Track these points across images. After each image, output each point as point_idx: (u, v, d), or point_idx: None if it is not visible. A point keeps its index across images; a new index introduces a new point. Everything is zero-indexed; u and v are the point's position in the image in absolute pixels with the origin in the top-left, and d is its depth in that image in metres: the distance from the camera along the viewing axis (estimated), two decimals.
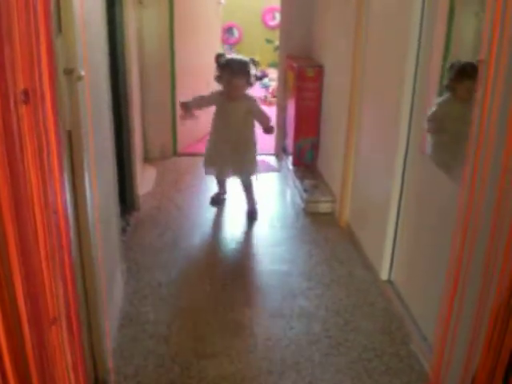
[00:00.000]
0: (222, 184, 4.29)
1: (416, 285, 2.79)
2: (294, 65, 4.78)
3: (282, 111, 5.44)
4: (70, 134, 1.89)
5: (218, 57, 3.85)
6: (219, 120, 3.94)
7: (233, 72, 3.72)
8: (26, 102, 0.73)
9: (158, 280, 3.14)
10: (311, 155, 4.85)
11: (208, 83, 5.94)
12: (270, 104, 7.68)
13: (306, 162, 4.86)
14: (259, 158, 4.14)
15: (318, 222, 4.01)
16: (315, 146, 4.82)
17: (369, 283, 3.16)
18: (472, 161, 1.11)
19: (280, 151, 5.43)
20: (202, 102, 3.98)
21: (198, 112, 4.10)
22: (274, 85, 7.94)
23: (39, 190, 0.78)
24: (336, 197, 4.07)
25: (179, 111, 4.12)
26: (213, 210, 4.18)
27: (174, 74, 5.21)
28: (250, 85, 3.83)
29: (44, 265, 0.80)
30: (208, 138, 4.09)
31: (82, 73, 1.87)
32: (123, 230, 3.57)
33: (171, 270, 3.25)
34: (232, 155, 3.94)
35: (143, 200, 4.23)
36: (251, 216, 4.09)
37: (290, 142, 5.08)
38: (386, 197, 3.02)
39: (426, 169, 2.62)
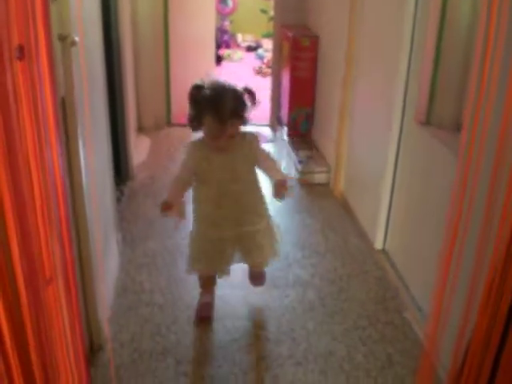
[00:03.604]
0: (210, 284, 2.69)
1: (410, 254, 2.81)
2: (289, 34, 4.73)
3: (276, 81, 5.40)
4: (63, 101, 1.88)
5: (196, 90, 2.24)
6: (207, 189, 2.40)
7: (221, 114, 2.16)
8: (21, 58, 0.72)
9: (152, 250, 3.14)
10: (306, 126, 4.83)
11: (204, 55, 5.92)
12: (264, 75, 7.64)
13: (300, 133, 4.85)
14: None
15: (313, 192, 4.01)
16: (310, 117, 4.80)
17: (363, 252, 3.17)
18: (470, 124, 1.11)
19: (274, 122, 5.41)
20: (179, 180, 2.42)
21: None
22: (268, 56, 7.88)
23: (35, 148, 0.77)
24: (331, 167, 4.07)
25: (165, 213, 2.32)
26: None
27: (167, 43, 5.15)
28: (246, 122, 2.29)
29: (40, 224, 0.80)
30: (191, 231, 2.55)
31: (76, 38, 1.85)
32: (117, 200, 3.56)
33: (166, 239, 3.25)
34: (238, 239, 2.50)
35: (137, 170, 4.21)
36: (258, 281, 2.75)
37: (284, 113, 5.05)
38: (381, 166, 3.01)
39: (421, 138, 2.61)
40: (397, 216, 2.98)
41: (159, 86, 5.24)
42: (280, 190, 2.30)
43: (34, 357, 0.89)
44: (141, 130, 5.09)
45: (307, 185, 4.09)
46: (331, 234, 3.38)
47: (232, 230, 2.44)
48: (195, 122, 2.26)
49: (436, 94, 2.54)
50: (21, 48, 0.71)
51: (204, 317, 2.60)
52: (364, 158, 3.44)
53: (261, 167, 2.42)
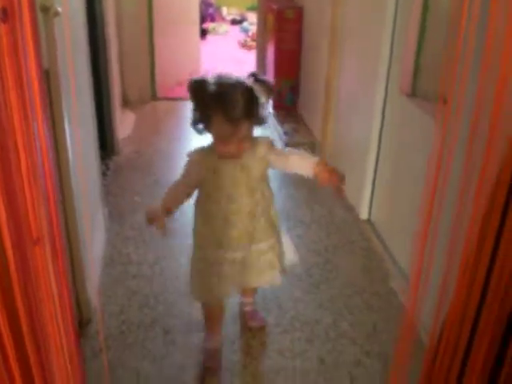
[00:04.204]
0: (217, 318, 2.27)
1: (395, 224, 2.83)
2: (274, 6, 4.71)
3: (261, 54, 5.39)
4: (47, 73, 1.86)
5: (198, 86, 1.86)
6: (215, 205, 1.99)
7: (232, 112, 1.78)
8: (5, 20, 0.72)
9: (139, 222, 3.14)
10: (291, 98, 4.83)
11: (189, 28, 5.86)
12: (249, 48, 7.61)
13: (286, 106, 4.85)
14: None
15: None
16: (294, 89, 4.80)
17: (349, 223, 3.20)
18: (446, 93, 1.12)
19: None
20: (177, 190, 2.00)
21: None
22: (253, 29, 7.86)
23: (19, 109, 0.77)
24: (316, 139, 4.08)
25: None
26: None
27: (151, 14, 5.11)
28: (260, 123, 1.90)
29: (26, 183, 0.80)
30: (192, 257, 2.13)
31: (59, 9, 1.83)
32: (103, 175, 3.56)
33: None
34: (248, 259, 2.08)
35: (122, 144, 4.20)
36: (255, 320, 2.42)
37: None
38: (366, 137, 3.03)
39: (405, 108, 2.63)
40: (382, 186, 3.00)
41: (143, 60, 5.21)
42: (328, 175, 1.97)
43: (23, 320, 0.90)
44: (126, 104, 5.07)
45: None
46: (316, 205, 3.41)
47: (244, 250, 2.05)
48: (201, 125, 1.89)
49: (421, 64, 2.55)
50: (4, 10, 0.72)
51: (212, 368, 2.20)
52: (349, 129, 3.46)
53: (288, 166, 2.01)
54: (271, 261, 2.12)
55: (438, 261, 1.22)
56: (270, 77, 4.94)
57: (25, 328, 0.91)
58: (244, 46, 7.93)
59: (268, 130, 4.67)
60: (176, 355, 2.22)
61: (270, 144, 1.99)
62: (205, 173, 1.95)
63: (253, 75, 1.89)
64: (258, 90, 1.85)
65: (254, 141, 1.94)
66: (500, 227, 1.15)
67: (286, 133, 4.25)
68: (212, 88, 1.81)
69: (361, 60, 3.20)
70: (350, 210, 3.32)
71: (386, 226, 2.96)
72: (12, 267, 0.77)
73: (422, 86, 2.56)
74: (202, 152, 1.96)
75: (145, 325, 2.37)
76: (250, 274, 2.11)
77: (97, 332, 2.30)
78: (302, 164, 1.98)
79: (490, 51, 1.03)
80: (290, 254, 2.27)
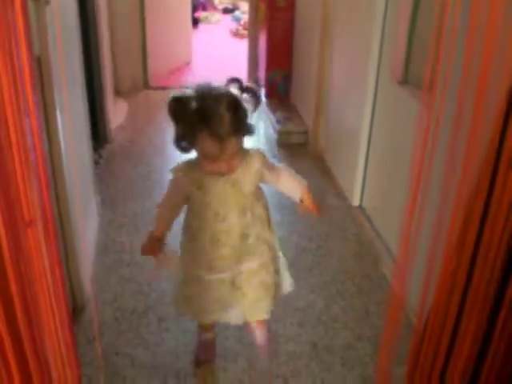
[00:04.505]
0: (211, 324, 2.18)
1: (386, 210, 2.85)
2: None
3: (253, 43, 5.38)
4: (39, 60, 1.87)
5: (178, 104, 1.68)
6: (204, 225, 1.83)
7: (219, 128, 1.59)
8: None
9: (132, 211, 3.16)
10: (284, 87, 4.84)
11: (181, 16, 5.85)
12: (241, 36, 7.60)
13: (279, 95, 4.85)
14: None
15: (291, 153, 4.03)
16: (287, 78, 4.80)
17: (341, 210, 3.22)
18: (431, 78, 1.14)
19: (252, 84, 5.39)
20: (165, 214, 1.91)
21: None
22: (245, 17, 7.85)
23: (10, 91, 0.78)
24: (309, 128, 4.09)
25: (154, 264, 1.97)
26: None
27: (143, 2, 5.08)
28: (250, 133, 1.72)
29: (18, 166, 0.81)
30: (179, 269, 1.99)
31: None
32: (96, 163, 3.56)
33: (145, 200, 3.26)
34: (238, 280, 1.92)
35: (115, 133, 4.20)
36: (265, 347, 2.19)
37: (261, 75, 5.05)
38: (358, 125, 3.04)
39: (396, 96, 2.64)
40: (373, 173, 3.02)
41: (135, 49, 5.19)
42: (310, 207, 1.94)
43: (17, 306, 0.91)
44: (118, 93, 5.06)
45: (285, 145, 4.12)
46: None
47: (231, 270, 1.89)
48: (185, 143, 1.71)
49: (413, 51, 2.55)
50: None
51: (208, 361, 2.16)
52: (341, 118, 3.47)
53: (279, 185, 1.90)
54: (264, 282, 1.94)
55: (425, 243, 1.24)
56: (262, 66, 4.94)
57: (19, 314, 0.92)
58: (236, 34, 7.92)
59: (261, 118, 4.69)
60: (170, 342, 2.24)
61: (264, 157, 1.82)
62: (189, 188, 1.78)
63: (235, 81, 1.71)
64: (245, 99, 1.69)
65: (246, 154, 1.77)
66: (484, 211, 1.17)
67: (278, 121, 4.26)
68: (194, 104, 1.64)
69: (352, 48, 3.21)
70: (342, 196, 3.34)
71: (378, 212, 2.98)
72: (5, 249, 0.78)
73: (414, 73, 2.57)
74: (188, 165, 1.79)
75: (138, 312, 2.38)
76: (242, 301, 1.94)
77: (91, 320, 2.32)
78: (291, 187, 1.92)
79: (474, 37, 1.04)
80: (287, 284, 2.13)
